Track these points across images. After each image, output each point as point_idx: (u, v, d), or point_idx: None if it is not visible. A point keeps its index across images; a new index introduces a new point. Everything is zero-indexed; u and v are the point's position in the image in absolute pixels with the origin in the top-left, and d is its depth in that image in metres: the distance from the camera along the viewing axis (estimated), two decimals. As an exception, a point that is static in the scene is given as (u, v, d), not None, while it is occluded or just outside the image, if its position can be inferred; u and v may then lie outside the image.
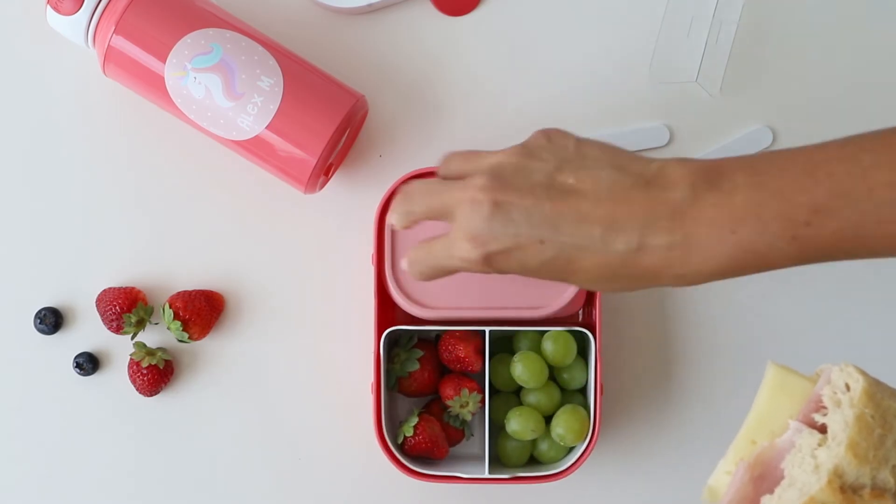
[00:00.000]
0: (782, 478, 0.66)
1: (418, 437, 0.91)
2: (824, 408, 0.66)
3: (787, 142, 0.95)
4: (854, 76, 0.96)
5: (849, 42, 0.96)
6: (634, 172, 0.72)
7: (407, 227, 0.78)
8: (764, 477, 0.67)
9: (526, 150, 0.74)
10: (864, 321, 0.96)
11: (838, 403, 0.65)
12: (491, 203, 0.72)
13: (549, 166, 0.73)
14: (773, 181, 0.70)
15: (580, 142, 0.74)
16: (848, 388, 0.65)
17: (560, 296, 0.90)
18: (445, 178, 0.77)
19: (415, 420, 0.91)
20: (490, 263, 0.73)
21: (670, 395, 0.96)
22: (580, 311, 0.93)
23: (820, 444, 0.65)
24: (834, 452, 0.64)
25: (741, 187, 0.70)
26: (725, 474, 0.69)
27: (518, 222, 0.72)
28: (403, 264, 0.80)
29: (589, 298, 0.92)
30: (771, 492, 0.66)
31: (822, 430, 0.66)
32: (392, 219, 0.79)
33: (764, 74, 0.96)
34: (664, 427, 0.96)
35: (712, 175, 0.71)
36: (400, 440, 0.91)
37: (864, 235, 0.69)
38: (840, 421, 0.65)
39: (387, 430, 0.90)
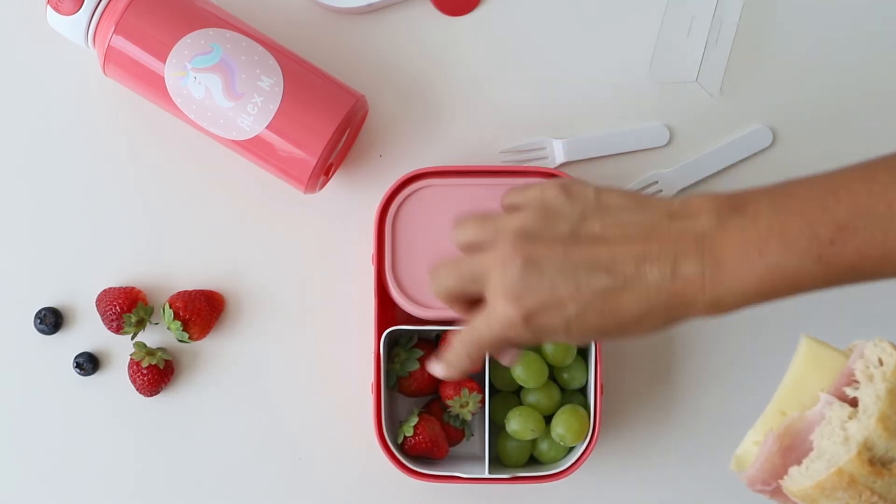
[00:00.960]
0: (811, 449, 0.66)
1: (418, 437, 0.91)
2: (856, 382, 0.66)
3: (787, 142, 0.95)
4: (854, 76, 0.96)
5: (849, 42, 0.96)
6: (658, 209, 0.73)
7: (444, 302, 0.77)
8: (792, 448, 0.67)
9: (545, 208, 0.74)
10: (868, 321, 0.96)
11: (871, 378, 0.65)
12: (523, 259, 0.72)
13: (573, 217, 0.74)
14: (795, 203, 0.71)
15: (599, 190, 0.75)
16: (881, 362, 0.66)
17: None
18: (463, 246, 0.77)
19: (415, 420, 0.91)
20: (530, 321, 0.72)
21: (670, 395, 0.96)
22: None
23: (850, 417, 0.65)
24: (864, 425, 0.64)
25: (765, 211, 0.71)
26: (753, 444, 0.69)
27: (552, 273, 0.72)
28: (438, 370, 0.78)
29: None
30: (799, 463, 0.66)
31: (854, 403, 0.66)
32: (432, 292, 0.78)
33: (764, 74, 0.96)
34: (664, 427, 0.96)
35: (735, 202, 0.72)
36: (400, 440, 0.91)
37: (889, 252, 0.70)
38: (872, 394, 0.65)
39: (387, 430, 0.90)
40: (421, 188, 0.90)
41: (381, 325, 0.91)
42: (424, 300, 0.90)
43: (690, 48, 0.95)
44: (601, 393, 0.90)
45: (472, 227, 0.76)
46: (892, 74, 0.96)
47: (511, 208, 0.77)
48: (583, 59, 0.96)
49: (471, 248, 0.76)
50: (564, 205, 0.74)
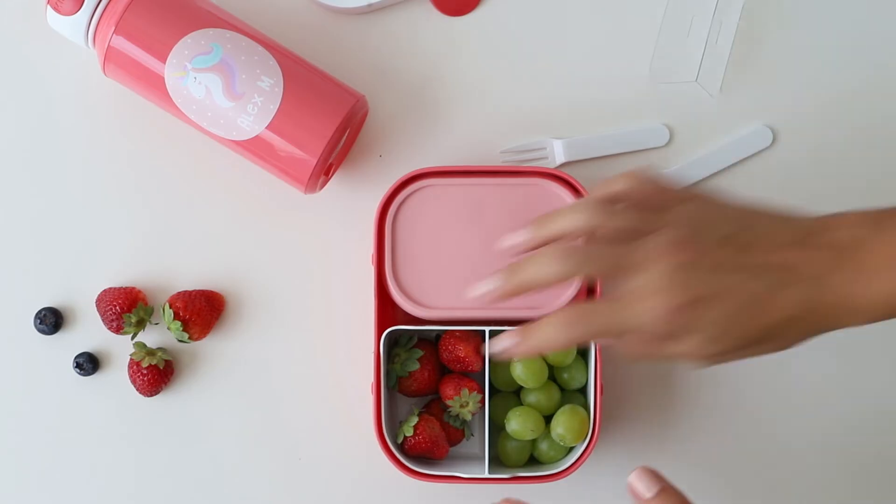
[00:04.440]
0: None
1: (418, 437, 0.91)
2: None
3: (787, 142, 0.95)
4: (854, 76, 0.96)
5: (849, 41, 0.96)
6: (805, 224, 0.75)
7: (548, 285, 0.75)
8: None
9: (702, 209, 0.76)
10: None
11: None
12: (682, 256, 0.73)
13: (728, 225, 0.75)
14: None
15: (743, 203, 0.77)
16: None
17: (560, 296, 0.90)
18: (611, 231, 0.76)
19: (415, 420, 0.91)
20: (677, 316, 0.72)
21: (671, 394, 0.96)
22: None
23: None
24: None
25: None
26: None
27: (707, 272, 0.73)
28: (505, 343, 0.75)
29: (589, 297, 0.92)
30: None
31: None
32: (550, 274, 0.74)
33: (764, 75, 0.96)
34: (665, 427, 0.96)
35: (881, 218, 0.74)
36: (400, 440, 0.91)
37: None
38: None
39: (387, 430, 0.90)
40: (421, 188, 0.90)
41: (381, 325, 0.91)
42: (424, 300, 0.90)
43: (690, 48, 0.95)
44: (601, 393, 0.90)
45: (630, 216, 0.76)
46: (893, 74, 0.96)
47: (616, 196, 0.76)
48: (583, 58, 0.96)
49: (618, 236, 0.75)
50: (717, 211, 0.76)
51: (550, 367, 0.91)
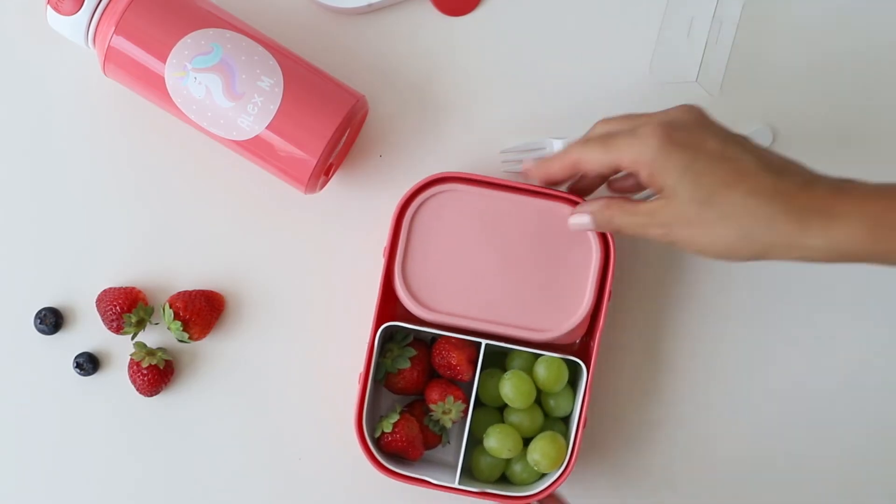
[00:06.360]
0: None
1: (396, 435, 0.90)
2: None
3: (787, 141, 0.95)
4: (854, 75, 0.96)
5: (849, 41, 0.96)
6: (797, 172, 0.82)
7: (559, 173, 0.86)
8: None
9: (700, 114, 0.83)
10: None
11: None
12: (665, 138, 0.81)
13: (722, 136, 0.82)
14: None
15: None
16: None
17: (564, 322, 0.89)
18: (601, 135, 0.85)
19: (395, 417, 0.91)
20: (672, 139, 0.80)
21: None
22: (577, 342, 0.93)
23: None
24: None
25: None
26: None
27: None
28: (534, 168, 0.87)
29: (590, 331, 0.92)
30: None
31: None
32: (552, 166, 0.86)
33: (764, 74, 0.96)
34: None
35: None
36: (377, 434, 0.91)
37: None
38: None
39: (366, 423, 0.90)
40: (445, 191, 0.90)
41: (381, 318, 0.90)
42: (427, 301, 0.90)
43: (690, 48, 0.95)
44: (584, 426, 0.89)
45: (617, 121, 0.85)
46: (892, 75, 0.96)
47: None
48: (583, 58, 0.96)
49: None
50: (716, 126, 0.82)
51: (539, 391, 0.91)
